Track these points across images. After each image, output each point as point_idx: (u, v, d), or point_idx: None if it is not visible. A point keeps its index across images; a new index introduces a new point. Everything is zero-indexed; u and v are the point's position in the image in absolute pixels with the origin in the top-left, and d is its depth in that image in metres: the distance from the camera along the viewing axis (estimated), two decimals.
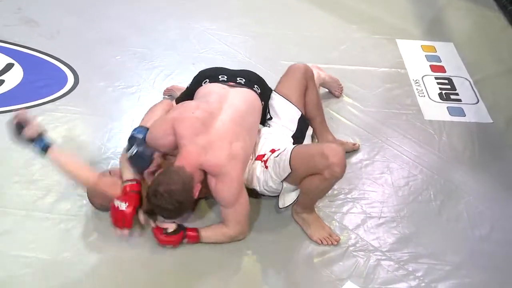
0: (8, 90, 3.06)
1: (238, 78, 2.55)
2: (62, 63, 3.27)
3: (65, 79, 3.16)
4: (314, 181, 2.20)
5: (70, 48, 3.39)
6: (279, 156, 2.29)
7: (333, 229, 2.42)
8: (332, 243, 2.35)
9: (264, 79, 2.65)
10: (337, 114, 3.08)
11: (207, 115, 2.28)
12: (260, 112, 2.52)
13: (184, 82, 3.15)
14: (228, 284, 2.21)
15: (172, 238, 2.25)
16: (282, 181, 2.30)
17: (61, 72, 3.22)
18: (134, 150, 2.27)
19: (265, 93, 2.59)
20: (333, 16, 4.00)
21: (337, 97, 3.18)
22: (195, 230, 2.29)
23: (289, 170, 2.22)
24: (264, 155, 2.39)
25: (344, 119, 3.05)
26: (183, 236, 2.25)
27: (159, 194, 2.10)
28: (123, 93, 3.10)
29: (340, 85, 3.19)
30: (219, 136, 2.25)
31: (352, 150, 2.82)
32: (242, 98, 2.45)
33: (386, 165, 2.78)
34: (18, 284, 2.16)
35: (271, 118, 2.58)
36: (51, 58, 3.31)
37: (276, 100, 2.60)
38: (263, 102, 2.55)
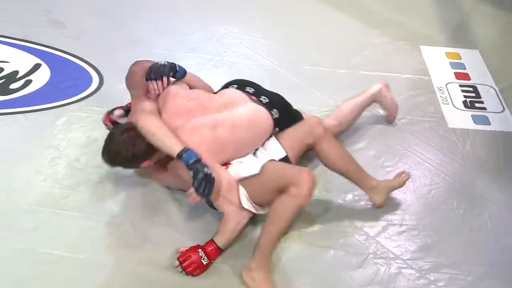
0: (36, 90, 3.10)
1: (262, 97, 2.57)
2: (88, 64, 3.31)
3: (90, 80, 3.20)
4: (282, 198, 2.19)
5: (95, 49, 3.42)
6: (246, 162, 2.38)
7: (353, 235, 2.42)
8: None
9: (294, 110, 2.68)
10: (359, 119, 3.06)
11: (198, 108, 2.41)
12: (264, 135, 2.50)
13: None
14: None
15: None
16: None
17: (87, 73, 3.26)
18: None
19: (283, 121, 2.56)
20: (354, 19, 3.98)
21: (389, 122, 3.05)
22: (211, 243, 2.27)
23: (258, 170, 2.28)
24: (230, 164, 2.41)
25: (367, 125, 3.04)
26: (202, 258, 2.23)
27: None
28: None
29: (395, 114, 3.01)
30: (191, 127, 2.34)
31: (403, 185, 2.57)
32: (250, 114, 2.46)
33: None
34: (42, 281, 2.19)
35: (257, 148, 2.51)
36: (77, 59, 3.34)
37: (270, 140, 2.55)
38: (277, 129, 2.54)
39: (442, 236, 2.45)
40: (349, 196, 2.60)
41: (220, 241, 2.27)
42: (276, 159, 2.43)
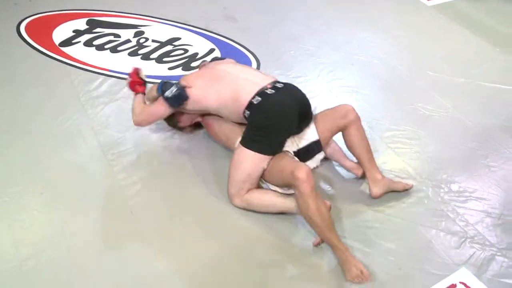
0: None
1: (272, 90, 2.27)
2: (250, 52, 3.38)
3: (250, 64, 3.27)
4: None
5: (257, 41, 3.49)
6: None
7: (455, 220, 2.27)
8: (364, 280, 1.98)
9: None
10: (470, 122, 2.86)
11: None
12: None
13: (344, 79, 3.15)
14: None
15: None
16: None
17: (248, 59, 3.33)
18: (173, 89, 2.30)
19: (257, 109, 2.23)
20: (479, 37, 3.67)
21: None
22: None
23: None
24: None
25: (478, 128, 2.82)
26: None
27: None
28: (292, 81, 3.07)
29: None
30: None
31: (403, 190, 2.37)
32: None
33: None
34: None
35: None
36: (241, 47, 3.43)
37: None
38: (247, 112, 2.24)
39: None
40: (454, 187, 2.45)
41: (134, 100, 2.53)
42: (306, 142, 2.32)
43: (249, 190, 2.23)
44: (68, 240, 2.10)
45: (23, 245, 2.07)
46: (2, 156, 2.47)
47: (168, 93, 2.29)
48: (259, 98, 2.22)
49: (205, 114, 2.49)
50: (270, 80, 2.33)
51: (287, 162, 2.16)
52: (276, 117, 2.21)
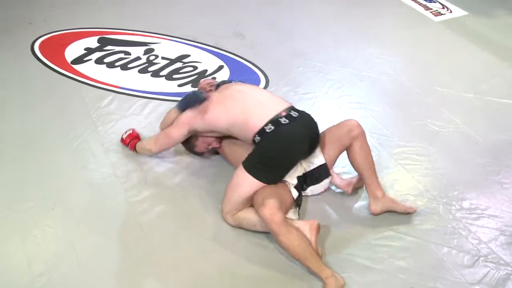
0: None
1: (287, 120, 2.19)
2: (258, 69, 3.38)
3: (259, 81, 3.27)
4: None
5: (266, 58, 3.48)
6: None
7: (467, 238, 2.23)
8: None
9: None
10: (480, 137, 2.83)
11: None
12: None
13: (352, 95, 3.14)
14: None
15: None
16: None
17: (257, 75, 3.32)
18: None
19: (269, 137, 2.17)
20: (487, 52, 3.66)
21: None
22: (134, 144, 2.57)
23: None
24: None
25: (485, 142, 2.79)
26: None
27: None
28: (301, 98, 3.12)
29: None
30: None
31: (404, 213, 2.29)
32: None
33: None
34: None
35: None
36: (250, 64, 3.42)
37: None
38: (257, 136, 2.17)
39: None
40: (466, 204, 2.41)
41: (138, 145, 2.55)
42: (317, 165, 2.28)
43: (241, 209, 2.20)
44: (79, 256, 2.08)
45: (35, 261, 2.05)
46: (15, 172, 2.47)
47: (189, 93, 2.42)
48: (272, 127, 2.13)
49: (221, 139, 2.47)
50: (284, 106, 2.23)
51: (260, 193, 2.10)
52: (287, 150, 2.14)
